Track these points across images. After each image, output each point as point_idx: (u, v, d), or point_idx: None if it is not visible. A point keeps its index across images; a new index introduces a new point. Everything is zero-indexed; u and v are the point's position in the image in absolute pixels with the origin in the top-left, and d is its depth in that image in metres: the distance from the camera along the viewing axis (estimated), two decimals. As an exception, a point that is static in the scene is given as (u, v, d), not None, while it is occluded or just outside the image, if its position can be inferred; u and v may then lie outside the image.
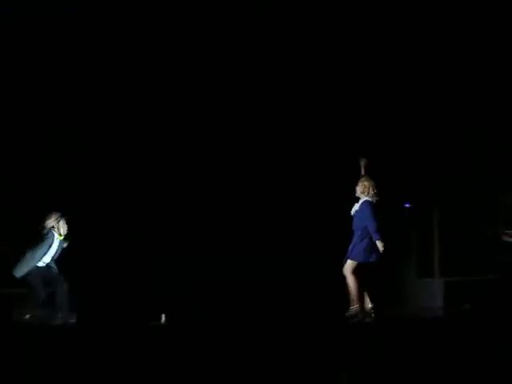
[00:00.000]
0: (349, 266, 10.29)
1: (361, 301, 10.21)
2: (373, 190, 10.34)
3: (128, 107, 12.19)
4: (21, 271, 10.54)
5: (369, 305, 10.28)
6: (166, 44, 12.02)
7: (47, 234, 10.65)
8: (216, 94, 12.19)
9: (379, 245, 10.20)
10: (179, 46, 12.06)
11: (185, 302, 11.11)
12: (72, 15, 11.65)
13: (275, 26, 11.86)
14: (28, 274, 10.56)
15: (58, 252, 10.77)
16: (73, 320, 10.62)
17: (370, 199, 10.35)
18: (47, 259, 10.68)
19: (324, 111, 12.25)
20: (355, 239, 10.31)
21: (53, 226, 10.71)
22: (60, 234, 10.74)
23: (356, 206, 10.42)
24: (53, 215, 10.73)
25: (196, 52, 12.09)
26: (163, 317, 10.65)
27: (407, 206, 12.61)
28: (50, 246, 10.66)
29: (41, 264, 10.64)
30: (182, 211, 12.21)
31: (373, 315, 10.21)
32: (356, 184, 10.45)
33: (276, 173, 12.22)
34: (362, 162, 10.52)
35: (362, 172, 10.53)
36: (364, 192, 10.36)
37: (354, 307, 10.22)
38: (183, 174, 12.16)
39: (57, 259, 10.76)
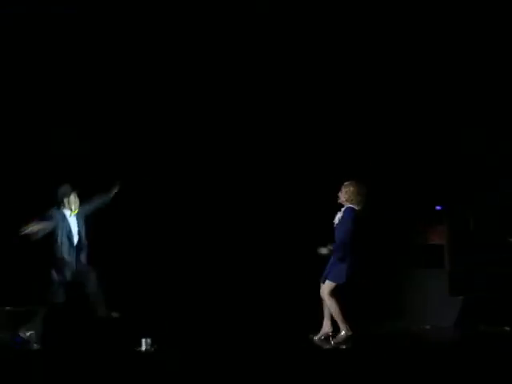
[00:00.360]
0: (327, 288, 9.21)
1: (344, 322, 9.13)
2: (358, 196, 9.26)
3: (128, 107, 12.22)
4: (69, 272, 9.64)
5: (328, 328, 9.28)
6: (166, 44, 12.03)
7: (51, 213, 9.66)
8: (214, 96, 12.23)
9: (324, 250, 9.15)
10: (179, 46, 12.07)
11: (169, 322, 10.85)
12: (72, 15, 11.66)
13: (275, 27, 11.87)
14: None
15: (82, 230, 9.77)
16: (37, 345, 9.56)
17: (353, 206, 9.27)
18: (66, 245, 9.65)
19: (323, 111, 12.27)
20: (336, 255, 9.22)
21: (62, 203, 9.76)
22: (71, 209, 9.77)
23: (339, 215, 9.33)
24: (64, 188, 9.82)
25: (196, 52, 12.11)
26: (143, 342, 9.38)
27: (439, 208, 11.80)
28: (68, 228, 9.65)
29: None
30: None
31: (330, 340, 9.23)
32: (339, 190, 9.39)
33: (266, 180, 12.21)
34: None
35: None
36: (349, 199, 9.27)
37: (341, 334, 9.18)
38: (178, 177, 12.20)
39: (82, 244, 9.75)
